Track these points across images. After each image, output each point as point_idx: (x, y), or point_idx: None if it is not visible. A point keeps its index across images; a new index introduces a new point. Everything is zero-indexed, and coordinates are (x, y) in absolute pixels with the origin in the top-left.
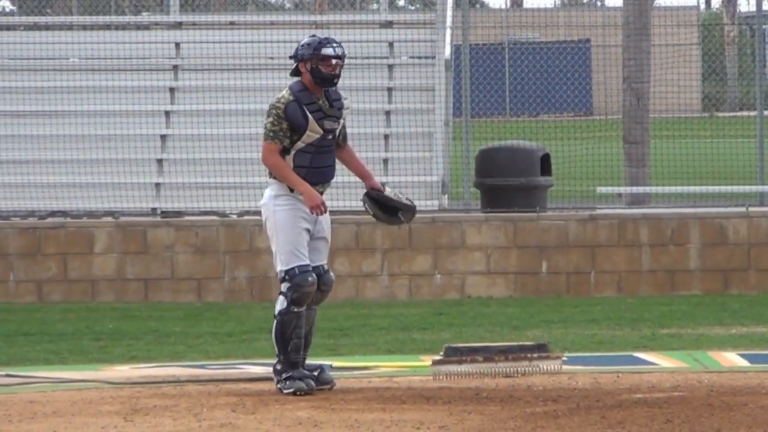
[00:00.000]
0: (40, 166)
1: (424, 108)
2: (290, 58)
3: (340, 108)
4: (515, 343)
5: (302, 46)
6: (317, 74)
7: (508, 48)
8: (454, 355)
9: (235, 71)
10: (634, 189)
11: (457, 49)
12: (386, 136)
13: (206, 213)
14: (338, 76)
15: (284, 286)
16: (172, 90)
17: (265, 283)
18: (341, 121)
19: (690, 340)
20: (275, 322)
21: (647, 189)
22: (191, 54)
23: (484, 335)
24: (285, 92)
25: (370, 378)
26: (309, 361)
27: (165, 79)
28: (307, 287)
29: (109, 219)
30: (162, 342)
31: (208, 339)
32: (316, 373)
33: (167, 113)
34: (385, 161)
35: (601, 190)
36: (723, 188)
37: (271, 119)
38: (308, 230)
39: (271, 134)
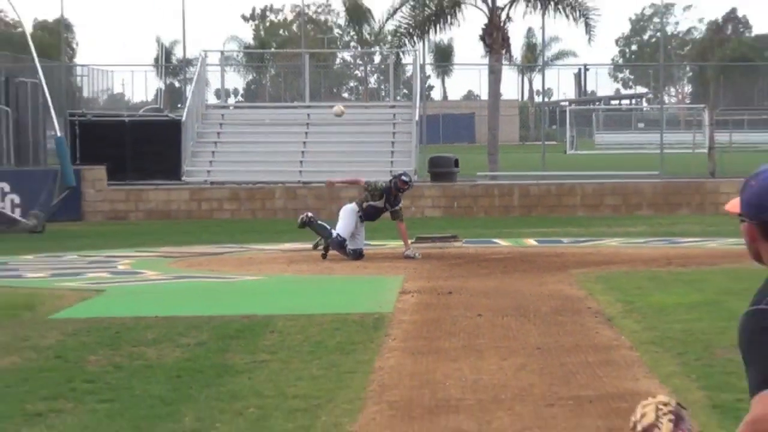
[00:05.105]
0: None
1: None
2: (395, 177)
3: (390, 211)
4: (446, 234)
5: (400, 175)
6: (398, 188)
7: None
8: (424, 240)
9: None
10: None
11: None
12: (392, 152)
13: None
14: (402, 192)
15: (335, 239)
16: None
17: None
18: (386, 207)
19: (516, 235)
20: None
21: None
22: None
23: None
24: (382, 182)
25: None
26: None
27: None
28: (334, 246)
29: None
30: None
31: None
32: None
33: None
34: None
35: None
36: None
37: (371, 187)
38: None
39: (370, 186)
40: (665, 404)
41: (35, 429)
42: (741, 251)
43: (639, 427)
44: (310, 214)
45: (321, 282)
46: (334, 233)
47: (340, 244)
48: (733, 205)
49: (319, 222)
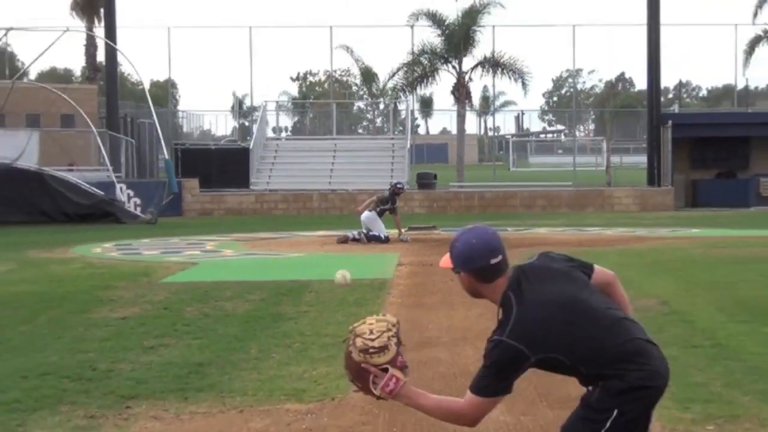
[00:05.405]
0: None
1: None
2: (391, 185)
3: (390, 209)
4: (428, 225)
5: (396, 183)
6: (395, 192)
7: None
8: (413, 229)
9: None
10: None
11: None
12: (392, 170)
13: None
14: (398, 195)
15: (383, 237)
16: None
17: None
18: (389, 207)
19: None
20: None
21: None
22: None
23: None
24: (385, 191)
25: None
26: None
27: None
28: (384, 242)
29: None
30: None
31: None
32: None
33: None
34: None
35: (452, 184)
36: None
37: (382, 197)
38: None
39: (375, 197)
40: (394, 325)
41: (150, 357)
42: (629, 236)
43: (376, 343)
44: (357, 237)
45: (344, 257)
46: (382, 236)
47: (387, 240)
48: (445, 262)
49: (370, 234)
